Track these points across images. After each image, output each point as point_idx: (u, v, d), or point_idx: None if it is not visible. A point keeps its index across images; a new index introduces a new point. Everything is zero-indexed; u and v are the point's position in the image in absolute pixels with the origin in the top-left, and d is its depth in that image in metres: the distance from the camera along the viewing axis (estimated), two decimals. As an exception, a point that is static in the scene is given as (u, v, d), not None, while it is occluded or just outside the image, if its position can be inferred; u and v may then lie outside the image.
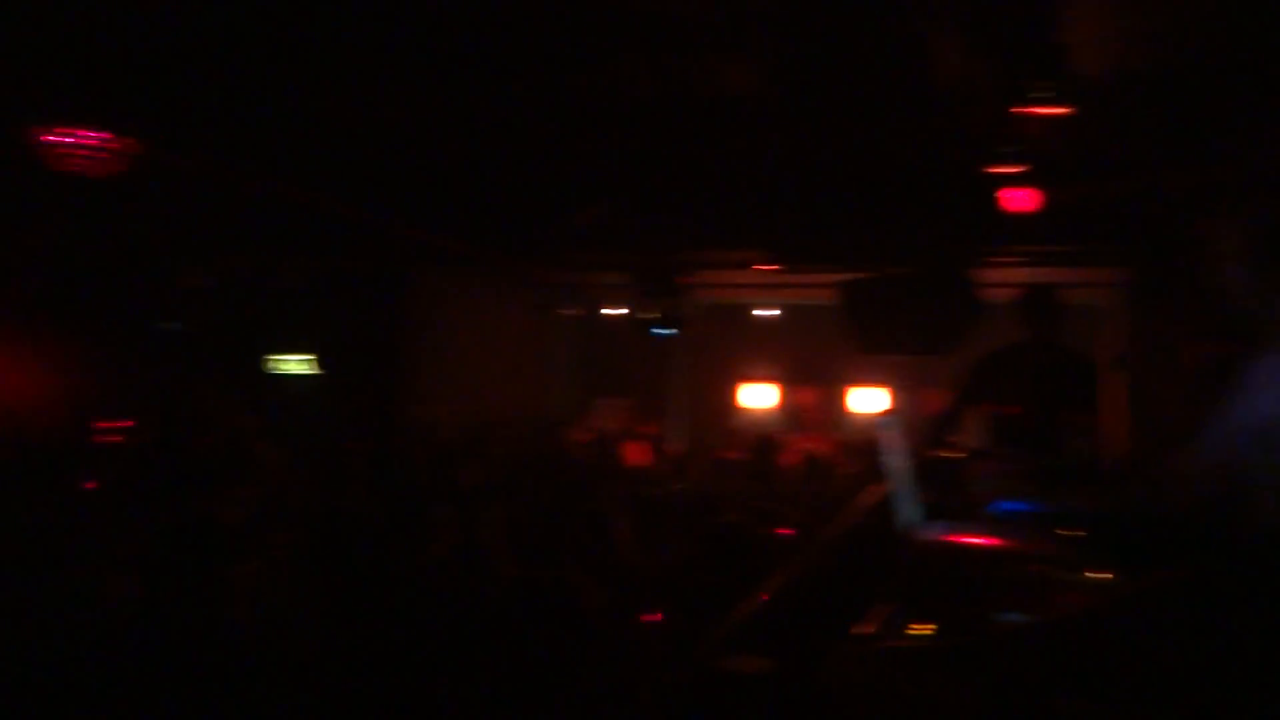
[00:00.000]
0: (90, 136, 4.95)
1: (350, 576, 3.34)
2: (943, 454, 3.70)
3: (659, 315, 8.12)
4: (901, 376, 11.15)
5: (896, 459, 2.68)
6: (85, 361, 7.16)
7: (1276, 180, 1.83)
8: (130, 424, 6.61)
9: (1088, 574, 2.19)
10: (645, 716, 1.58)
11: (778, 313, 10.93)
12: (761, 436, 8.05)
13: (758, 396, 12.20)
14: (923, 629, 1.86)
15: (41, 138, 4.91)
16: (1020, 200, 5.53)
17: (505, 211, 5.75)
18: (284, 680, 2.46)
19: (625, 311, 10.81)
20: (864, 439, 9.19)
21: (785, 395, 12.20)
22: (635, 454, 9.28)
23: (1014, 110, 4.04)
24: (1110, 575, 2.19)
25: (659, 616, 3.21)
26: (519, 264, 8.12)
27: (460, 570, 2.88)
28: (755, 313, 10.96)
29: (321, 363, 7.83)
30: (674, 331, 8.30)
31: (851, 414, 11.47)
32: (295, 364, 8.62)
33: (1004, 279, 7.21)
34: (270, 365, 8.82)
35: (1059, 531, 2.72)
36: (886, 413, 2.67)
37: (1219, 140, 5.04)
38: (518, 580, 2.79)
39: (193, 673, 2.48)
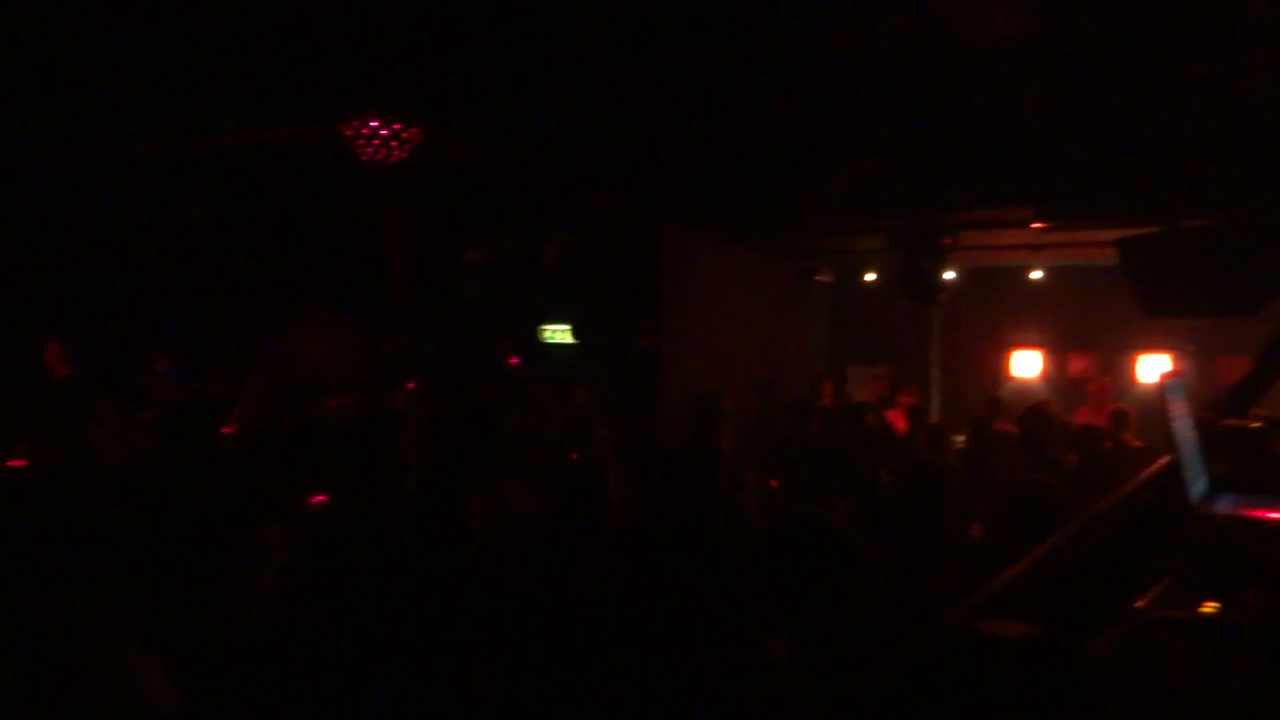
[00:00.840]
0: (386, 127, 5.48)
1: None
2: (1239, 423, 3.34)
3: (920, 280, 7.82)
4: (1192, 341, 10.09)
5: (1184, 428, 2.47)
6: (387, 332, 7.96)
7: None
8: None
9: None
10: (896, 671, 1.56)
11: (1045, 275, 10.21)
12: (1031, 406, 7.55)
13: (1027, 364, 11.48)
14: (1206, 607, 1.71)
15: (343, 129, 5.49)
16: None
17: (762, 176, 5.75)
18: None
19: (883, 276, 10.53)
20: (1147, 409, 8.42)
21: (1056, 363, 11.41)
22: (894, 423, 9.04)
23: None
24: None
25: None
26: (775, 230, 8.11)
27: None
28: (1027, 275, 10.29)
29: (581, 332, 8.24)
30: (933, 295, 7.96)
31: (1138, 383, 10.54)
32: (560, 334, 9.13)
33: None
34: (539, 336, 9.40)
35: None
36: (1173, 378, 2.46)
37: None
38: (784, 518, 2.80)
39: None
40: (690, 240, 7.99)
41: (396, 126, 5.46)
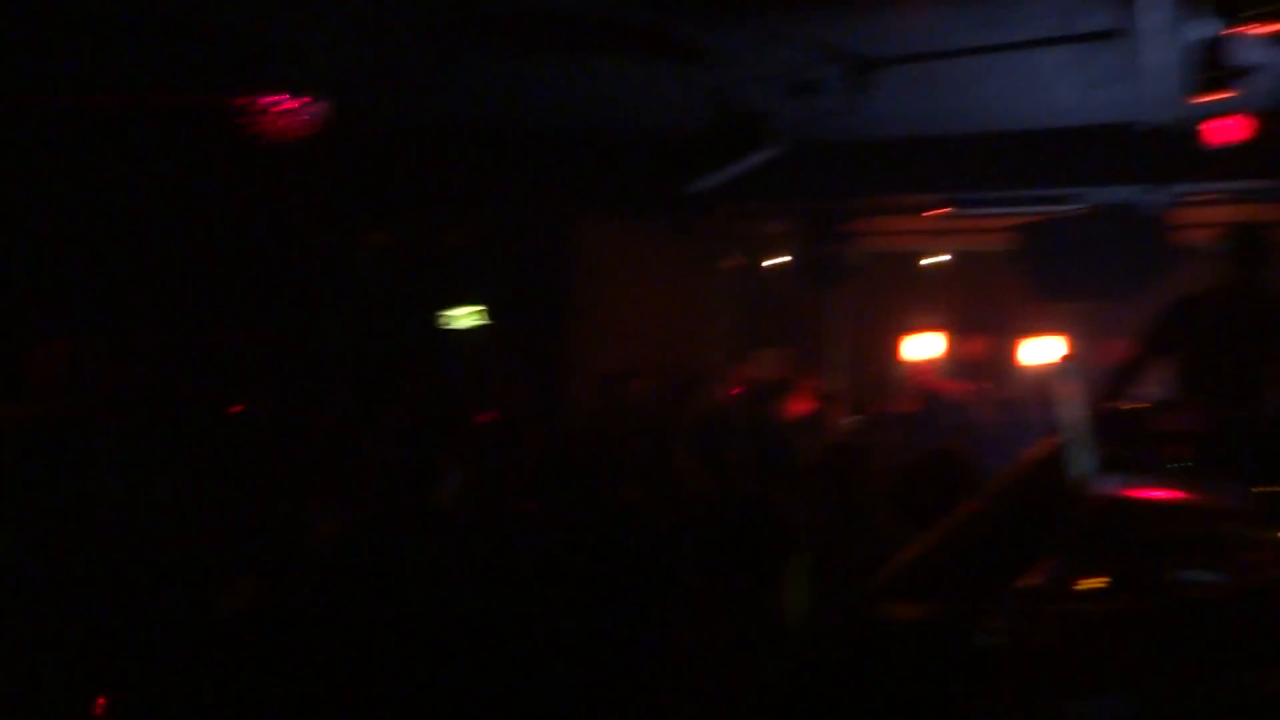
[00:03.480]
0: (284, 100, 5.29)
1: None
2: (1123, 405, 3.52)
3: (822, 264, 7.98)
4: (1080, 325, 10.54)
5: (1072, 409, 2.57)
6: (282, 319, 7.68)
7: None
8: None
9: (1275, 530, 2.05)
10: (800, 657, 1.60)
11: (947, 258, 10.53)
12: (924, 388, 7.83)
13: (924, 347, 11.83)
14: (1092, 584, 1.79)
15: (238, 103, 5.28)
16: (1226, 131, 5.10)
17: (667, 160, 5.77)
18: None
19: (788, 260, 10.67)
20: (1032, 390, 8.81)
21: (953, 346, 11.77)
22: (795, 405, 9.22)
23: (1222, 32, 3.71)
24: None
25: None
26: (681, 213, 8.15)
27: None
28: (923, 261, 10.59)
29: (491, 314, 8.12)
30: (838, 280, 8.13)
31: (1023, 365, 10.98)
32: (466, 317, 8.97)
33: (1202, 219, 6.69)
34: (444, 320, 9.23)
35: (1253, 487, 2.55)
36: (1063, 361, 2.55)
37: None
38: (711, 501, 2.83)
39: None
40: (600, 222, 7.98)
41: (300, 100, 5.29)
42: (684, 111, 5.80)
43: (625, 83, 5.56)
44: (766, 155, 5.21)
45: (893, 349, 11.94)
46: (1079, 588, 1.81)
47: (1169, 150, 5.70)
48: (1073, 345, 10.45)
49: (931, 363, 11.31)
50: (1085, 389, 3.14)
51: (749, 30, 4.47)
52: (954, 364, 11.24)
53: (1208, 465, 2.93)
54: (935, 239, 9.50)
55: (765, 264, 11.05)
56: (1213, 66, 3.88)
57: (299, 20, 4.80)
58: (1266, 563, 1.79)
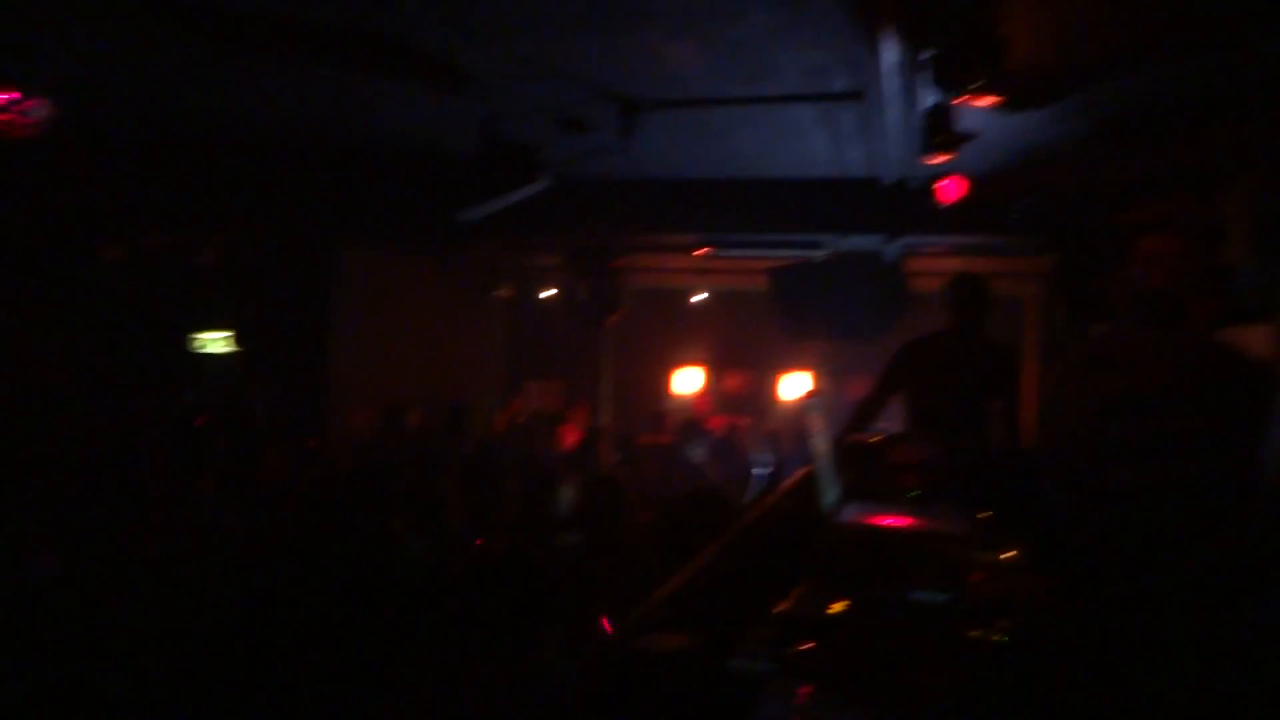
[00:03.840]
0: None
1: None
2: (862, 438, 3.77)
3: (592, 298, 8.10)
4: (829, 362, 11.33)
5: (820, 442, 2.72)
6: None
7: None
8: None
9: (995, 553, 2.25)
10: (567, 696, 1.58)
11: (707, 297, 11.03)
12: (686, 420, 8.13)
13: (689, 381, 12.29)
14: (836, 606, 1.89)
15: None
16: (951, 189, 5.65)
17: (438, 190, 5.67)
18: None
19: (558, 294, 10.76)
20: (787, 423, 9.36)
21: (714, 380, 12.31)
22: (565, 438, 9.28)
23: (949, 101, 4.10)
24: (1014, 553, 2.26)
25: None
26: (452, 243, 8.02)
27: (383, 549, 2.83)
28: (691, 299, 11.02)
29: (242, 340, 7.60)
30: (606, 314, 8.28)
31: (781, 400, 11.64)
32: (216, 343, 8.38)
33: (934, 268, 7.39)
34: (192, 344, 8.57)
35: (974, 513, 2.80)
36: (810, 396, 2.70)
37: (1148, 132, 5.22)
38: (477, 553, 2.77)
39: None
40: (365, 249, 7.70)
41: (14, 95, 4.75)
42: (455, 140, 5.73)
43: (393, 106, 5.42)
44: (536, 188, 5.23)
45: (661, 383, 12.32)
46: (828, 612, 1.89)
47: (907, 204, 6.25)
48: (818, 381, 11.25)
49: (697, 396, 11.75)
50: (830, 422, 3.34)
51: (519, 62, 4.48)
52: (719, 398, 11.73)
53: (936, 494, 3.19)
54: (700, 277, 9.90)
55: (536, 297, 11.10)
56: (939, 131, 4.29)
57: (24, 15, 4.33)
58: (987, 582, 1.96)
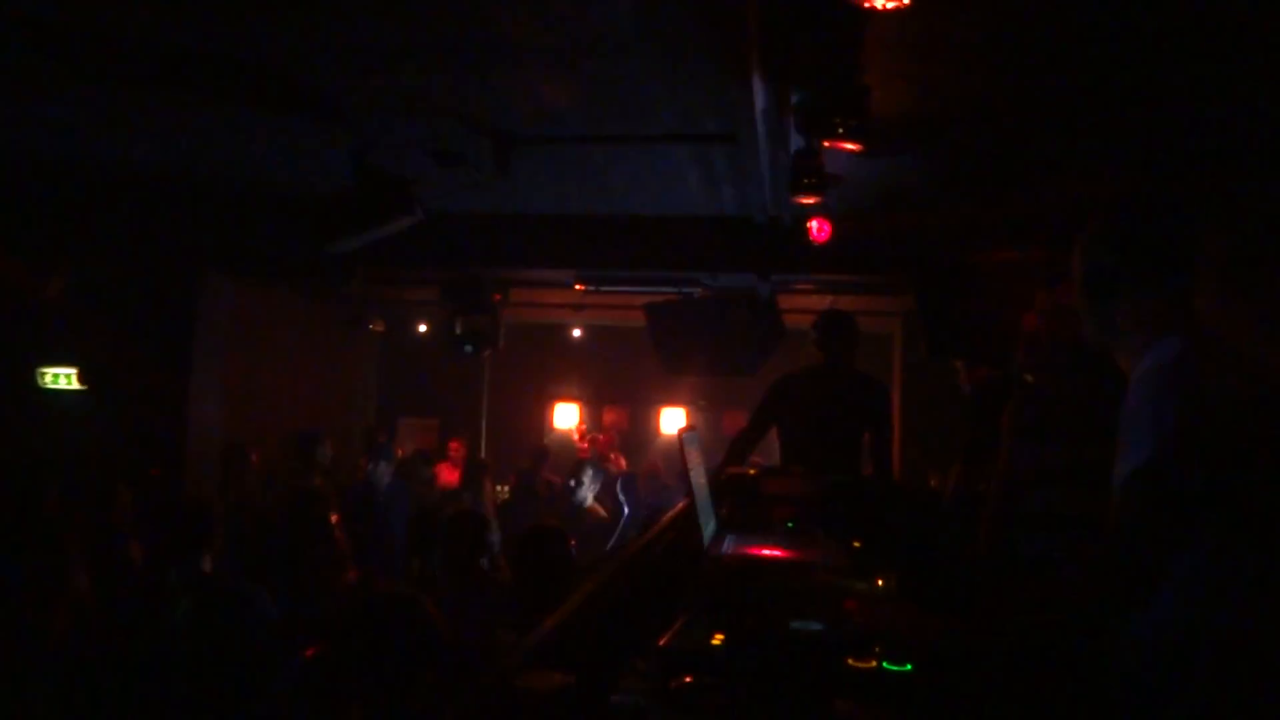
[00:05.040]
0: None
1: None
2: (737, 471, 3.84)
3: (469, 332, 7.99)
4: (706, 397, 11.51)
5: (698, 476, 2.75)
6: None
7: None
8: None
9: (868, 582, 2.32)
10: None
11: (580, 334, 11.08)
12: (579, 459, 8.16)
13: (567, 416, 12.28)
14: (715, 639, 1.90)
15: None
16: (820, 230, 5.85)
17: (304, 220, 5.49)
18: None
19: (433, 328, 10.59)
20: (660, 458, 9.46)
21: (593, 415, 12.35)
22: (444, 475, 9.10)
23: (818, 144, 4.25)
24: (884, 581, 2.34)
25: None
26: (322, 277, 7.79)
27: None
28: (569, 333, 11.04)
29: (91, 376, 7.14)
30: (484, 349, 8.18)
31: (662, 434, 11.76)
32: (63, 378, 7.86)
33: (806, 305, 7.61)
34: (35, 379, 8.02)
35: (848, 543, 2.87)
36: (685, 431, 2.73)
37: (1005, 177, 5.55)
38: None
39: None
40: (230, 280, 7.39)
41: None
42: (325, 171, 5.59)
43: (259, 135, 5.25)
44: (409, 221, 5.14)
45: (539, 418, 12.26)
46: (708, 643, 1.90)
47: (779, 243, 6.43)
48: (692, 416, 11.43)
49: (576, 431, 11.74)
50: (707, 456, 3.38)
51: (392, 95, 4.42)
52: (601, 432, 11.75)
53: (811, 525, 3.27)
54: (578, 313, 9.92)
55: (411, 331, 10.89)
56: (807, 174, 4.45)
57: None
58: (861, 610, 2.01)
